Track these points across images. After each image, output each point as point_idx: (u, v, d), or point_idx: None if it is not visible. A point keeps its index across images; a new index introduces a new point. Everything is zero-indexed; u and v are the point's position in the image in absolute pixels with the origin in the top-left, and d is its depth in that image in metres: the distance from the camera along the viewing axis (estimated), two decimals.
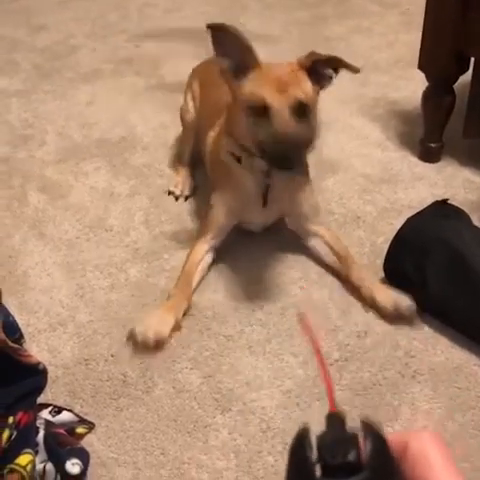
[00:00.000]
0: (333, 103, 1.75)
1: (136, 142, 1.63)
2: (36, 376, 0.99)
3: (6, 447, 0.91)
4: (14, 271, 1.26)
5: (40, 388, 1.00)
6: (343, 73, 1.87)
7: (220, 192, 1.23)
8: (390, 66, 1.93)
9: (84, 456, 0.94)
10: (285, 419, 0.99)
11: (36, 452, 0.92)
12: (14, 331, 0.97)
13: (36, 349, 1.08)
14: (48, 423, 0.97)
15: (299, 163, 1.07)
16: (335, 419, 0.38)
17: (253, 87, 1.07)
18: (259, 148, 1.08)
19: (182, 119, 1.51)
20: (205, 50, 2.02)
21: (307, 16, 2.26)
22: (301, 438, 0.37)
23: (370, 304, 1.15)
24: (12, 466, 0.88)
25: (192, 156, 1.49)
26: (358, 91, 1.80)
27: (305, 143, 1.08)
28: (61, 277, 1.25)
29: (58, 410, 0.99)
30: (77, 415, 0.99)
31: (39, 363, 0.99)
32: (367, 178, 1.48)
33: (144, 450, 0.96)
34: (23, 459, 0.90)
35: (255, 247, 1.30)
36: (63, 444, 0.95)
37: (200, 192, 1.45)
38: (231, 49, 1.08)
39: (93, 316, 1.16)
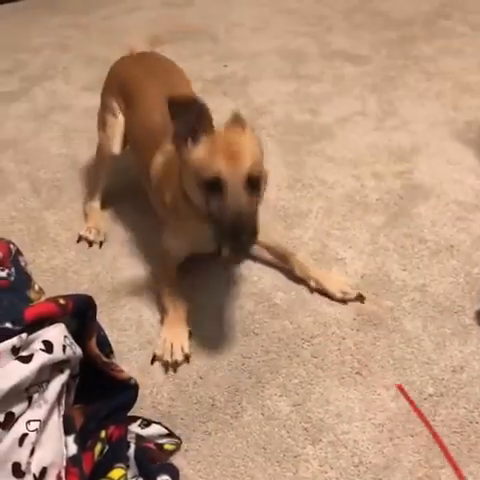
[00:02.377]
0: (424, 126, 1.72)
1: None
2: (127, 391, 1.00)
3: (99, 461, 0.92)
4: (106, 287, 1.28)
5: (131, 403, 1.00)
6: (434, 95, 1.85)
7: (171, 228, 1.20)
8: None
9: (174, 473, 0.94)
10: (378, 454, 0.96)
11: (127, 466, 0.93)
12: (105, 346, 0.98)
13: (126, 367, 1.08)
14: (138, 437, 0.97)
15: (251, 244, 1.02)
16: None
17: (206, 156, 1.01)
18: (210, 218, 1.02)
19: (100, 148, 1.40)
20: (292, 69, 2.05)
21: (395, 36, 2.23)
22: None
23: (319, 292, 1.22)
24: None
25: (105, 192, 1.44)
26: (449, 114, 1.76)
27: (256, 214, 1.02)
28: (150, 295, 1.25)
29: (147, 423, 0.99)
30: (166, 428, 0.99)
31: (131, 378, 0.99)
32: (460, 205, 1.43)
33: (233, 477, 0.95)
34: (115, 473, 0.90)
35: None
36: (153, 459, 0.95)
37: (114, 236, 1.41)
38: (186, 115, 1.02)
39: None
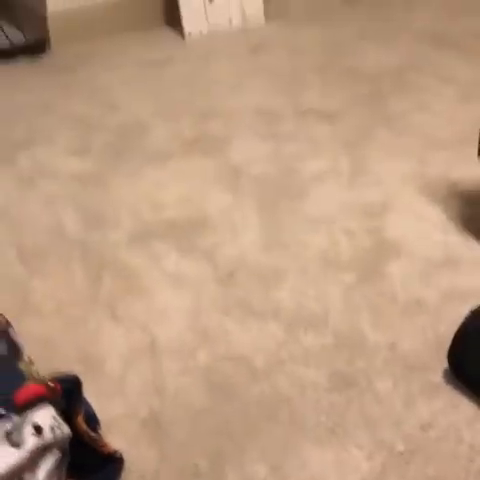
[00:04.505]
0: (394, 183, 1.81)
1: (203, 224, 1.71)
2: (113, 464, 1.05)
3: None
4: (90, 356, 1.33)
5: (116, 477, 1.06)
6: (403, 151, 1.94)
7: None
8: (451, 144, 1.96)
9: None
10: None
11: None
12: (92, 420, 1.04)
13: (111, 437, 1.14)
14: None
15: None
16: None
17: None
18: None
19: None
20: (268, 127, 2.14)
21: (366, 91, 2.33)
22: None
23: None
24: None
25: None
26: (418, 170, 1.85)
27: None
28: (136, 362, 1.31)
29: None
30: None
31: (116, 451, 1.05)
32: (428, 261, 1.51)
33: None
34: None
35: None
36: None
37: None
38: None
39: (163, 403, 1.22)
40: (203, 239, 1.66)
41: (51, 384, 0.93)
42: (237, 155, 2.01)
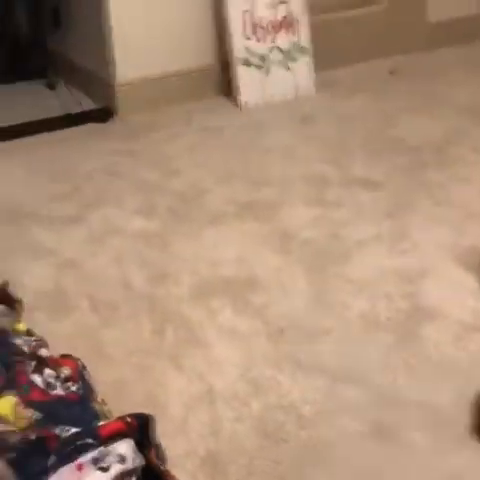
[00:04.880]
0: (431, 250, 1.97)
1: (256, 284, 1.89)
2: None
3: None
4: (156, 400, 1.50)
5: None
6: (441, 220, 2.10)
7: None
8: None
9: None
10: None
11: None
12: (162, 455, 1.20)
13: (174, 471, 1.29)
14: None
15: None
16: None
17: None
18: None
19: None
20: (316, 195, 2.32)
21: (408, 162, 2.50)
22: None
23: None
24: None
25: None
26: (455, 239, 2.01)
27: None
28: (195, 407, 1.48)
29: None
30: None
31: None
32: (461, 325, 1.66)
33: None
34: None
35: None
36: None
37: None
38: None
39: (220, 445, 1.38)
40: (255, 297, 1.84)
41: (129, 420, 1.11)
42: (287, 220, 2.19)
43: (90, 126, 2.92)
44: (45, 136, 2.83)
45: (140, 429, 1.14)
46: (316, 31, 3.10)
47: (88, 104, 3.07)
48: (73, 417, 1.25)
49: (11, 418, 1.17)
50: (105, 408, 1.42)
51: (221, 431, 1.42)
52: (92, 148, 2.75)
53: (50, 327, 1.64)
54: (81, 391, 1.40)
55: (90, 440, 1.06)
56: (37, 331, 1.53)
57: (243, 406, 1.47)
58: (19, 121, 2.88)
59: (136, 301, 1.84)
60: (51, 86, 3.23)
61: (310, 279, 1.88)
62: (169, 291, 1.88)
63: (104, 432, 1.09)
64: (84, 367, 1.50)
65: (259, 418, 1.44)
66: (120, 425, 1.11)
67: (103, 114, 2.94)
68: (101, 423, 1.13)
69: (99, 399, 1.47)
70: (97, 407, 1.44)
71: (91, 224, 2.24)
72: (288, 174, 2.48)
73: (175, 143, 2.75)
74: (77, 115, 2.94)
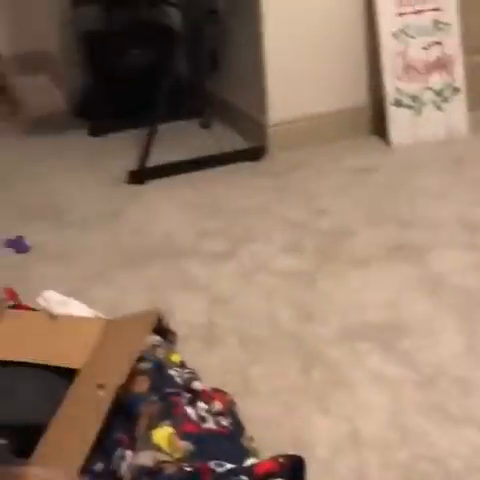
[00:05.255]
0: None
1: (404, 329, 1.86)
2: None
3: None
4: (302, 441, 1.51)
5: None
6: None
7: None
8: None
9: None
10: None
11: None
12: None
13: None
14: None
15: None
16: None
17: None
18: None
19: None
20: (471, 239, 2.25)
21: None
22: None
23: None
24: None
25: None
26: None
27: None
28: (341, 450, 1.47)
29: None
30: None
31: None
32: None
33: None
34: None
35: None
36: None
37: None
38: None
39: None
40: (403, 343, 1.81)
41: (282, 460, 1.13)
42: (438, 264, 2.14)
43: (241, 165, 3.01)
44: (199, 173, 2.94)
45: (292, 471, 1.16)
46: (470, 72, 3.04)
47: (239, 143, 3.16)
48: (223, 452, 1.28)
49: (167, 448, 1.22)
50: (252, 446, 1.45)
51: (368, 478, 1.40)
52: (242, 186, 2.82)
53: (200, 360, 1.70)
54: (231, 426, 1.44)
55: (245, 478, 1.09)
56: (188, 363, 1.59)
57: (390, 454, 1.45)
58: (175, 159, 3.00)
59: (283, 339, 1.87)
60: (205, 125, 3.35)
61: (462, 327, 1.83)
62: (316, 331, 1.89)
63: (259, 471, 1.11)
64: (233, 402, 1.54)
65: (406, 467, 1.41)
66: (274, 465, 1.13)
67: (256, 152, 3.02)
68: (254, 461, 1.15)
69: (248, 436, 1.51)
70: (246, 443, 1.47)
71: (242, 260, 2.30)
72: (440, 216, 2.43)
73: (324, 182, 2.77)
74: (232, 153, 3.04)
